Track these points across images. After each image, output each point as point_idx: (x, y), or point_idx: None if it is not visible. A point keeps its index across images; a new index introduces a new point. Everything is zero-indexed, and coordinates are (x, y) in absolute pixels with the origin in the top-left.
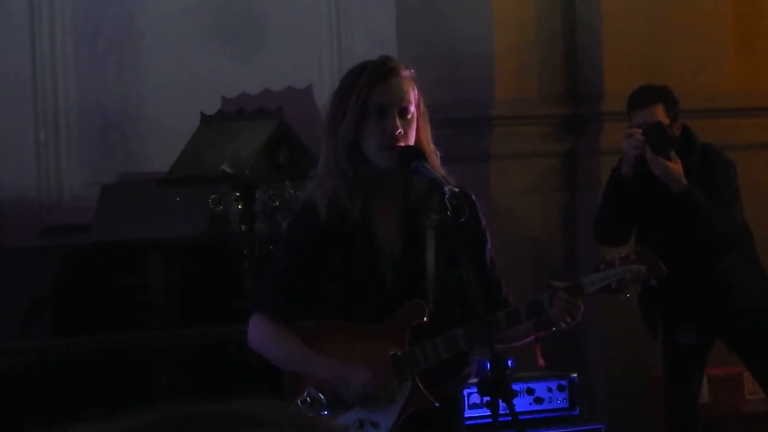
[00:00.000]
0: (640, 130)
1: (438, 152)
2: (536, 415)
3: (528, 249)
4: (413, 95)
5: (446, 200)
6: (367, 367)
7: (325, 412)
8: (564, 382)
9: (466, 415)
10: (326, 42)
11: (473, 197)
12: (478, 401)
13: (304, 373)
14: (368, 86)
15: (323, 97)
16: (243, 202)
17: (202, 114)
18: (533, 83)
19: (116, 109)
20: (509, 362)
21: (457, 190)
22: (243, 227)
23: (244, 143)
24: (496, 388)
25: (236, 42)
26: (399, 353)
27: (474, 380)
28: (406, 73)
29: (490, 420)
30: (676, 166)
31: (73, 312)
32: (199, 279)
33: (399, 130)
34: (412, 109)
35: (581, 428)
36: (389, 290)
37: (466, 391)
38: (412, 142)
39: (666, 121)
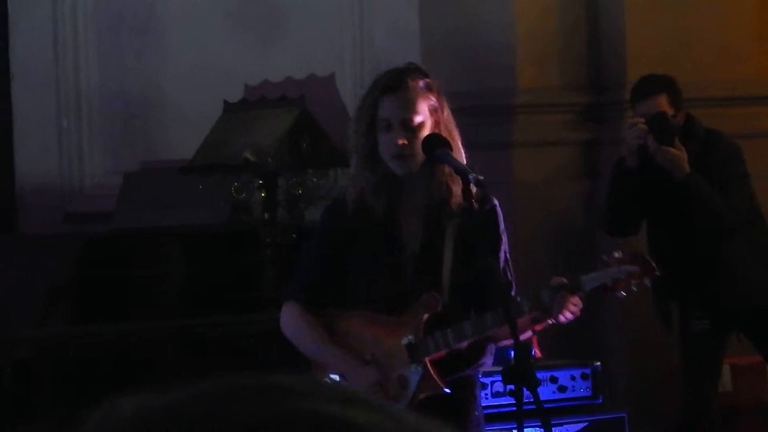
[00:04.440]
0: (643, 120)
1: (465, 153)
2: (559, 404)
3: (550, 237)
4: (424, 105)
5: (470, 188)
6: (375, 372)
7: None
8: (587, 371)
9: (490, 404)
10: (348, 30)
11: (495, 201)
12: (502, 390)
13: (322, 362)
14: (374, 101)
15: (345, 85)
16: (265, 190)
17: (225, 102)
18: (556, 72)
19: (138, 97)
20: (533, 351)
21: (481, 177)
22: (265, 215)
23: (266, 131)
24: (521, 376)
25: (259, 29)
26: (413, 341)
27: (498, 369)
28: (415, 83)
29: (514, 408)
30: (680, 154)
31: (93, 300)
32: (220, 268)
33: (401, 142)
34: (418, 119)
35: (604, 417)
36: (408, 282)
37: (489, 380)
38: (420, 150)
39: (670, 111)
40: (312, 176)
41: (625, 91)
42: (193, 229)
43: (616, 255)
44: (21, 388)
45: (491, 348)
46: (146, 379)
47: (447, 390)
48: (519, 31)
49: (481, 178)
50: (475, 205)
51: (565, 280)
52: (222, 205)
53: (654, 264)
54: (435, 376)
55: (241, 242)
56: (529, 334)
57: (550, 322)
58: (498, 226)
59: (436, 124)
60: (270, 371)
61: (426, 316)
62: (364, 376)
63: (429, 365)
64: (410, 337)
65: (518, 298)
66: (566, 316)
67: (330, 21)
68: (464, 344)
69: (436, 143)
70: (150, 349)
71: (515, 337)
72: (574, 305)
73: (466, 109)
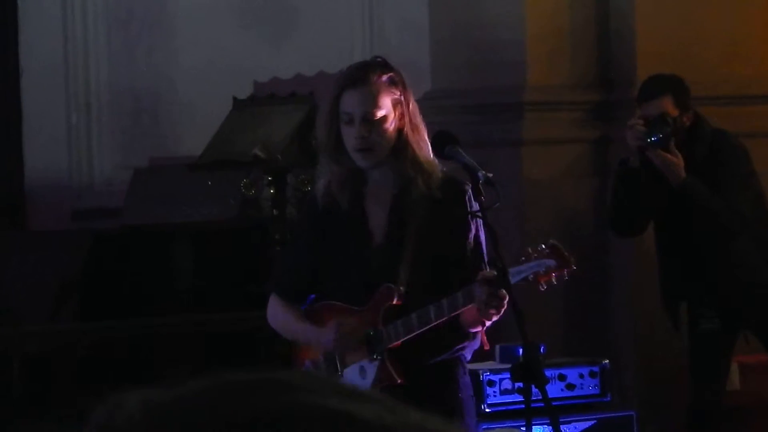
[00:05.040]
0: (642, 121)
1: (473, 151)
2: (567, 402)
3: (559, 234)
4: (387, 98)
5: (479, 186)
6: (332, 327)
7: None
8: (596, 369)
9: (498, 401)
10: (358, 26)
11: (466, 187)
12: (510, 387)
13: (303, 343)
14: (337, 95)
15: None
16: (274, 186)
17: (235, 98)
18: (565, 69)
19: (148, 93)
20: (542, 348)
21: (490, 175)
22: (274, 212)
23: (276, 128)
24: (529, 374)
25: (268, 26)
26: (372, 333)
27: (507, 366)
28: (378, 77)
29: (522, 406)
30: (675, 160)
31: (102, 296)
32: (229, 264)
33: (361, 136)
34: (380, 113)
35: (612, 415)
36: (373, 274)
37: (497, 377)
38: (383, 142)
39: (675, 112)
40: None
41: (635, 89)
42: (202, 226)
43: (541, 247)
44: (29, 383)
45: (474, 333)
46: (154, 374)
47: (402, 382)
48: (529, 28)
49: (490, 175)
50: (439, 194)
51: (494, 273)
52: (231, 201)
53: (570, 257)
54: (391, 368)
55: (250, 239)
56: (479, 328)
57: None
58: (465, 212)
59: (401, 117)
60: (277, 367)
61: (383, 307)
62: (326, 334)
63: (386, 357)
64: (370, 328)
65: (457, 293)
66: (490, 310)
67: (340, 17)
68: (413, 335)
69: (445, 140)
70: (158, 344)
71: (524, 334)
72: (497, 299)
73: (475, 107)
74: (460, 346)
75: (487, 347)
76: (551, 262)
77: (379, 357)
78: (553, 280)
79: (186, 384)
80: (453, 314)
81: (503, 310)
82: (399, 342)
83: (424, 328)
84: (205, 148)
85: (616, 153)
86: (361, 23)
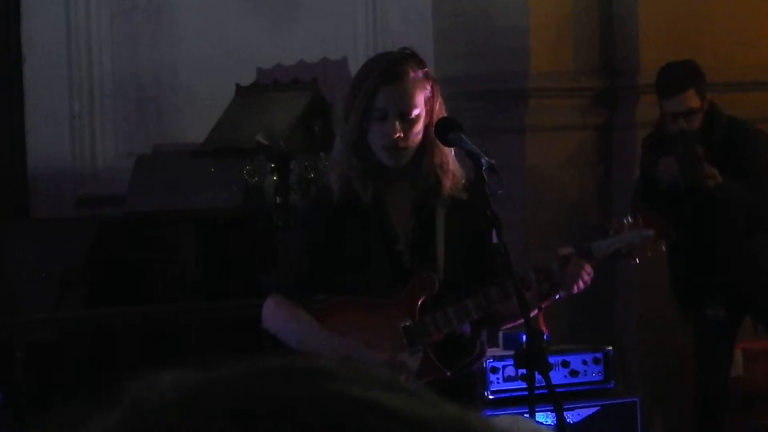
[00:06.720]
0: (674, 161)
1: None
2: (571, 388)
3: (563, 221)
4: (421, 96)
5: (482, 172)
6: (383, 347)
7: None
8: (599, 355)
9: (501, 388)
10: (361, 13)
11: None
12: (513, 374)
13: (318, 352)
14: (372, 89)
15: (358, 68)
16: (278, 173)
17: (237, 85)
18: (569, 55)
19: (151, 80)
20: (545, 335)
21: (494, 161)
22: (278, 199)
23: (279, 115)
24: (532, 360)
25: (272, 13)
26: (410, 324)
27: (510, 353)
28: (414, 74)
29: (526, 392)
30: (713, 173)
31: (106, 283)
32: (232, 251)
33: (398, 134)
34: (416, 111)
35: (616, 401)
36: (404, 269)
37: (501, 364)
38: (414, 142)
39: (698, 104)
40: (324, 160)
41: (639, 75)
42: (205, 213)
43: (626, 221)
44: (33, 371)
45: (482, 343)
46: (159, 362)
47: (448, 373)
48: (532, 15)
49: (493, 162)
50: (465, 195)
51: (573, 249)
52: (234, 188)
53: (671, 227)
54: (436, 360)
55: (253, 226)
56: (534, 312)
57: (558, 296)
58: (493, 210)
59: (429, 113)
60: (281, 355)
61: (422, 297)
62: (372, 356)
63: (429, 348)
64: (407, 319)
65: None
66: (579, 286)
67: (343, 4)
68: (466, 325)
69: (449, 126)
70: (162, 332)
71: (523, 306)
72: (588, 274)
73: (479, 93)
74: (478, 351)
75: (546, 331)
76: (649, 233)
77: (421, 349)
78: (649, 253)
79: (219, 367)
80: (521, 292)
81: (588, 280)
82: (446, 332)
83: (481, 315)
84: (208, 135)
85: (620, 140)
86: (364, 10)
